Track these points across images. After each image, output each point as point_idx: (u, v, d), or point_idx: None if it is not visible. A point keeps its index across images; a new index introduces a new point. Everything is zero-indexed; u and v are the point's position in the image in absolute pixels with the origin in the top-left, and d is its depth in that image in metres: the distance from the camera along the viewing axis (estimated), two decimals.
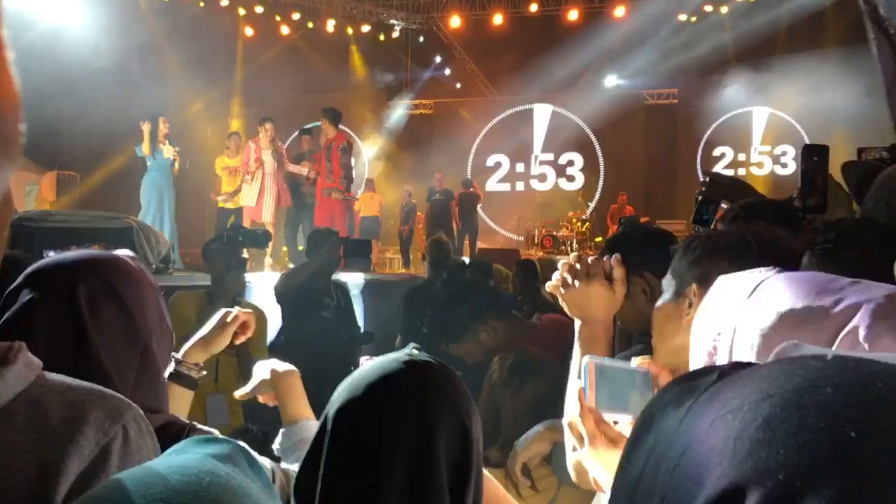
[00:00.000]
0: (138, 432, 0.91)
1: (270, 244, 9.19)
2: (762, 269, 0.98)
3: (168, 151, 9.07)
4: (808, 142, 12.17)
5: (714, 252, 1.37)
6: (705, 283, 1.29)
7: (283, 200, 9.58)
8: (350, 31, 16.52)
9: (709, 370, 0.43)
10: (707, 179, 2.61)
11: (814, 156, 1.99)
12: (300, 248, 9.29)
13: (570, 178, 16.41)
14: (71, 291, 1.18)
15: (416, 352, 1.08)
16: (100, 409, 0.88)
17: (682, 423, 0.41)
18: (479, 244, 13.15)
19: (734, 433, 0.36)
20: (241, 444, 0.79)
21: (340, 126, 9.79)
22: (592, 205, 15.51)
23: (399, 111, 17.33)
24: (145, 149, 9.01)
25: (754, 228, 1.52)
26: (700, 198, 2.54)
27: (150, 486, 0.64)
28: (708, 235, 1.49)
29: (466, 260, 6.02)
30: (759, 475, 0.34)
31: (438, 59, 17.16)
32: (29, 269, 1.22)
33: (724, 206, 2.50)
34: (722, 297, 0.96)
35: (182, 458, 0.71)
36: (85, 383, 0.92)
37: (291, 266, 8.81)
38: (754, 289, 0.92)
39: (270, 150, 9.42)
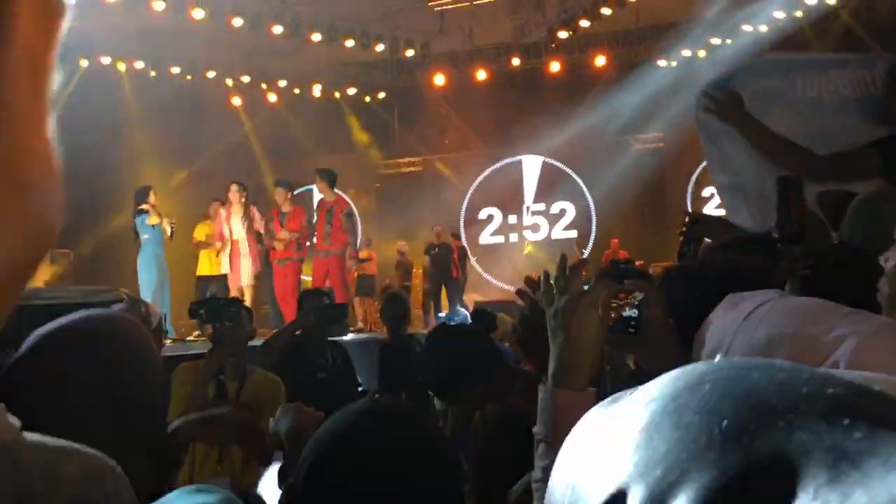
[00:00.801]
0: (116, 494, 0.90)
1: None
2: (769, 290, 0.98)
3: (156, 220, 9.14)
4: None
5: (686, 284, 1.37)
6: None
7: (255, 264, 9.51)
8: (337, 94, 16.78)
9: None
10: (688, 218, 2.63)
11: (788, 186, 2.01)
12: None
13: (564, 227, 16.49)
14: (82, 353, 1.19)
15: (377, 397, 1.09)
16: (78, 468, 0.87)
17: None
18: (476, 296, 13.17)
19: (622, 439, 0.36)
20: (232, 495, 0.77)
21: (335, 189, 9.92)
22: (587, 251, 15.55)
23: (388, 170, 17.51)
24: (153, 219, 9.06)
25: (729, 259, 1.52)
26: (682, 237, 2.55)
27: None
28: (682, 268, 1.50)
29: (466, 311, 6.03)
30: (639, 473, 0.34)
31: (425, 116, 17.41)
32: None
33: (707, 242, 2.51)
34: (724, 314, 0.97)
35: None
36: (64, 442, 0.91)
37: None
38: (752, 311, 0.92)
39: (241, 214, 9.39)
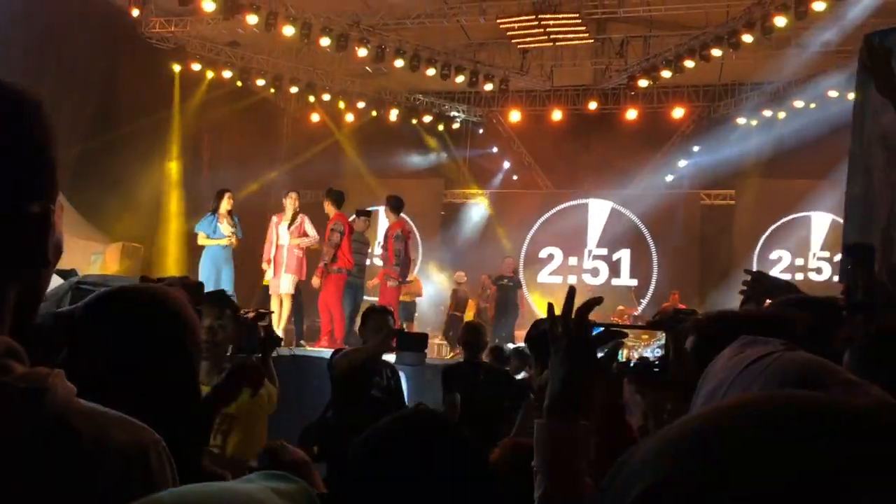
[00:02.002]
0: (160, 463, 0.95)
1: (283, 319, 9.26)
2: (778, 340, 0.98)
3: (226, 229, 9.32)
4: None
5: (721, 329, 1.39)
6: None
7: (300, 273, 9.54)
8: (414, 120, 17.03)
9: None
10: (750, 278, 2.61)
11: (857, 254, 1.98)
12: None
13: (623, 275, 16.32)
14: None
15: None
16: (126, 437, 0.92)
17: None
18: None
19: (658, 449, 0.39)
20: (309, 487, 0.82)
21: (402, 214, 10.05)
22: (645, 301, 15.34)
23: (453, 199, 17.64)
24: (225, 228, 9.25)
25: (768, 309, 1.52)
26: (743, 295, 2.53)
27: (205, 496, 0.67)
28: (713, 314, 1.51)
29: (510, 346, 6.04)
30: (670, 479, 0.36)
31: (496, 149, 17.52)
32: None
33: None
34: (731, 356, 0.97)
35: (247, 487, 0.75)
36: (113, 411, 0.96)
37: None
38: (754, 361, 0.92)
39: (288, 223, 9.50)
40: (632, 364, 1.36)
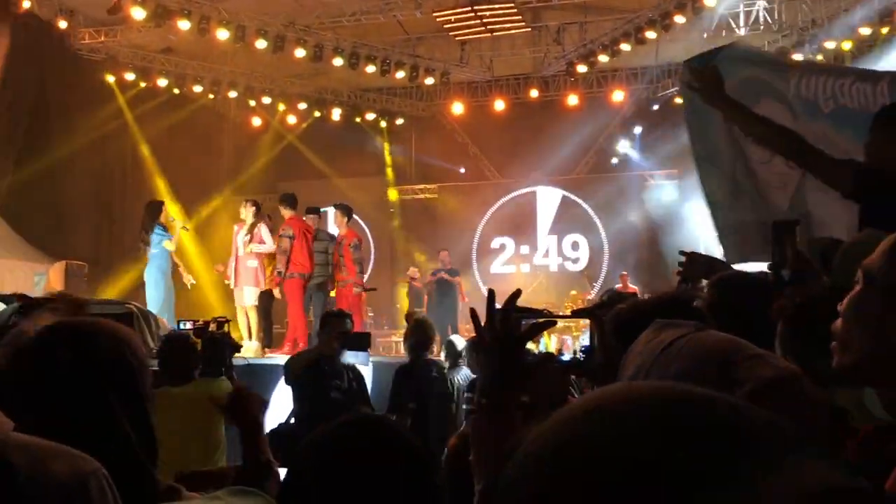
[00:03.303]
0: (100, 492, 0.93)
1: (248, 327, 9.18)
2: (688, 322, 1.02)
3: (178, 228, 9.29)
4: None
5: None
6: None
7: (257, 283, 9.41)
8: (357, 119, 16.94)
9: None
10: (685, 259, 2.66)
11: (782, 230, 2.04)
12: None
13: (575, 260, 16.49)
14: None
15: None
16: (64, 468, 0.91)
17: None
18: None
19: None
20: (272, 502, 0.83)
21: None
22: (598, 285, 15.52)
23: (403, 196, 17.63)
24: (169, 244, 9.13)
25: (667, 293, 1.58)
26: (679, 276, 2.58)
27: None
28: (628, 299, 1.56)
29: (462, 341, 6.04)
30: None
31: (441, 143, 17.53)
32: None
33: (704, 283, 2.54)
34: (647, 341, 1.00)
35: (215, 503, 0.75)
36: (50, 443, 0.95)
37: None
38: (670, 343, 0.96)
39: (245, 232, 9.40)
40: (565, 356, 1.39)
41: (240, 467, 1.93)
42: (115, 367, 1.28)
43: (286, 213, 9.41)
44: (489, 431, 1.27)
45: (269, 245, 9.34)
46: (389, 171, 17.83)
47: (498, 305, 1.43)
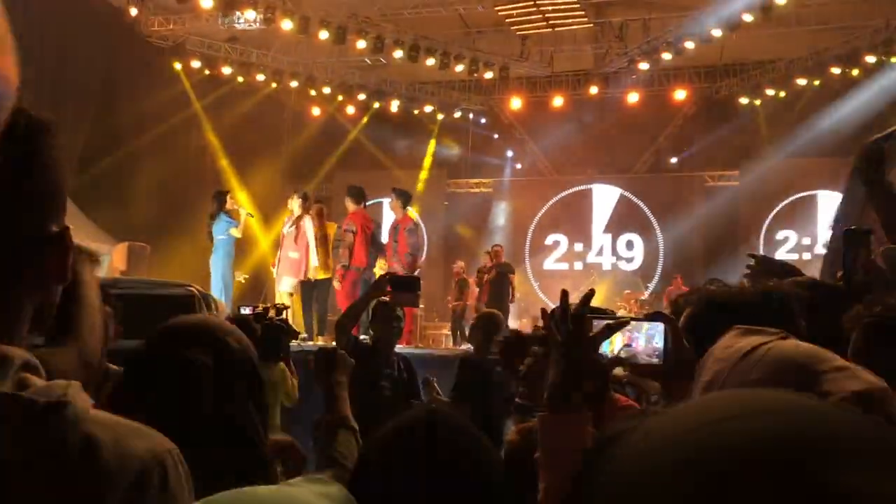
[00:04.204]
0: (176, 473, 0.97)
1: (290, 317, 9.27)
2: (771, 329, 1.00)
3: (243, 216, 9.48)
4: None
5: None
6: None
7: (297, 273, 9.46)
8: (415, 111, 17.01)
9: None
10: (753, 262, 2.63)
11: (855, 239, 2.00)
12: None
13: (629, 259, 16.31)
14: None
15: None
16: (143, 445, 0.95)
17: None
18: (540, 324, 13.10)
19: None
20: (349, 493, 0.86)
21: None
22: (651, 286, 15.34)
23: (457, 189, 17.65)
24: (235, 231, 9.33)
25: (763, 286, 1.55)
26: (747, 279, 2.55)
27: (260, 500, 0.71)
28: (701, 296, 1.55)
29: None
30: None
31: (497, 136, 17.49)
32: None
33: None
34: (726, 347, 0.99)
35: (291, 490, 0.79)
36: (128, 420, 0.99)
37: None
38: (750, 351, 0.95)
39: (289, 224, 9.52)
40: (623, 355, 1.39)
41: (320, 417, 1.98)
42: (244, 362, 1.34)
43: (351, 206, 9.50)
44: (559, 431, 1.28)
45: (310, 238, 9.37)
46: (444, 164, 17.85)
47: (549, 303, 1.43)
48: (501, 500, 1.20)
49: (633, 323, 1.40)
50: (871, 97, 13.79)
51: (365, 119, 17.13)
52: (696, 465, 0.38)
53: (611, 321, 1.37)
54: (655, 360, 1.35)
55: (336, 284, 9.38)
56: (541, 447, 1.30)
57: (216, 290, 8.70)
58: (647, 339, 1.38)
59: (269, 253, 11.01)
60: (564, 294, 1.42)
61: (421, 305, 13.65)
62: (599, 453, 0.45)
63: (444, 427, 1.20)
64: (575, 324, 1.34)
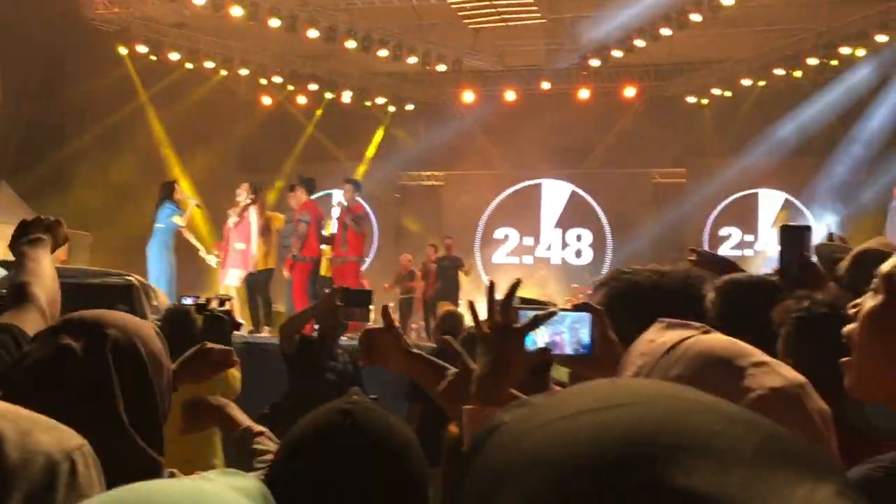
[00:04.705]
0: (85, 465, 0.94)
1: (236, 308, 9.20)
2: (695, 324, 1.01)
3: (189, 206, 9.33)
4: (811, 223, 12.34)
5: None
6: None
7: (245, 266, 9.42)
8: (367, 103, 16.90)
9: None
10: (695, 257, 2.67)
11: (792, 235, 2.04)
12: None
13: (578, 254, 16.49)
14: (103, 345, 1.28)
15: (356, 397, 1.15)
16: (51, 439, 0.91)
17: None
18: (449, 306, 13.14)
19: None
20: (265, 487, 0.84)
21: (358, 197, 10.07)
22: (599, 280, 15.52)
23: (409, 181, 17.61)
24: (179, 219, 9.16)
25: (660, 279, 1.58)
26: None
27: (167, 494, 0.68)
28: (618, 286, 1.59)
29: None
30: None
31: (449, 130, 17.47)
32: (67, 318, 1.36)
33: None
34: (650, 342, 1.00)
35: (203, 485, 0.76)
36: (37, 415, 0.95)
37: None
38: (673, 346, 0.95)
39: (234, 214, 9.43)
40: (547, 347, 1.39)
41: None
42: (124, 356, 1.29)
43: (303, 196, 9.44)
44: (485, 417, 1.27)
45: (253, 229, 9.29)
46: (396, 156, 17.78)
47: (499, 297, 1.43)
48: (417, 491, 1.19)
49: (559, 314, 1.39)
50: (814, 100, 14.17)
51: (319, 112, 16.94)
52: (539, 465, 0.38)
53: (539, 312, 1.37)
54: (582, 351, 1.36)
55: (286, 274, 9.32)
56: (466, 440, 1.30)
57: (154, 279, 8.53)
58: (572, 331, 1.38)
59: (208, 243, 10.84)
60: (491, 285, 1.42)
61: (372, 318, 13.59)
62: (477, 447, 0.44)
63: (359, 418, 1.18)
64: (501, 314, 1.34)
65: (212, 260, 9.75)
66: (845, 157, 13.71)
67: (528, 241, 16.76)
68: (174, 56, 14.63)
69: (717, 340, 0.99)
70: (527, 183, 16.86)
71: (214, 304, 4.83)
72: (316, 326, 5.47)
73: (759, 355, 0.95)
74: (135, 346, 1.31)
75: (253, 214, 9.34)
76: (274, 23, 13.14)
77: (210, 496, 0.71)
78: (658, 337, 1.02)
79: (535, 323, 1.35)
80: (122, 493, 0.74)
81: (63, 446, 0.93)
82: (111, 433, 1.16)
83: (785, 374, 0.93)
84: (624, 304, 1.52)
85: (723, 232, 15.48)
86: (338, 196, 10.84)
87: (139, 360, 1.30)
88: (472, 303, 1.46)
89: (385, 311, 1.82)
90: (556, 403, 0.42)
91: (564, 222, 16.61)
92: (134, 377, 1.28)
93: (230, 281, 9.34)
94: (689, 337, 0.98)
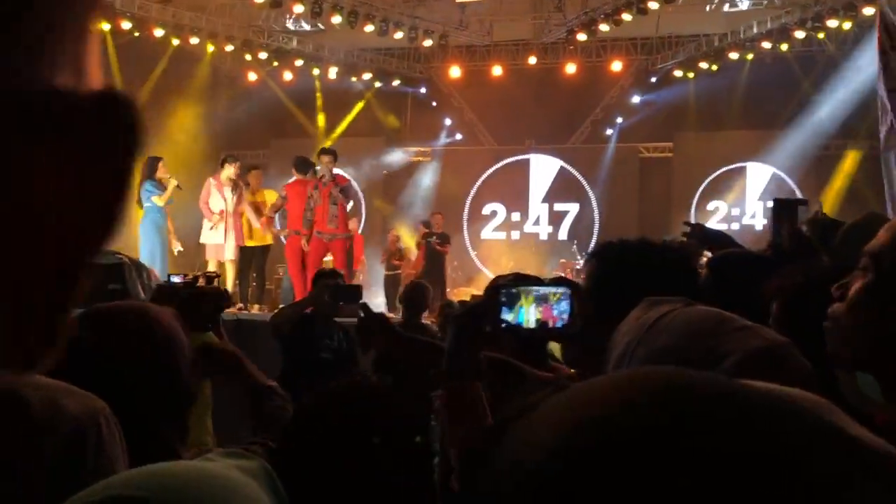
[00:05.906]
0: (109, 430, 0.96)
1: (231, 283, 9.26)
2: (676, 298, 1.04)
3: (172, 184, 9.29)
4: (800, 195, 12.41)
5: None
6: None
7: (240, 239, 9.54)
8: (353, 78, 16.78)
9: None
10: (689, 229, 2.69)
11: (783, 208, 2.06)
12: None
13: (566, 228, 16.52)
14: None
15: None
16: (76, 403, 0.94)
17: None
18: (473, 290, 13.16)
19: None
20: (267, 465, 0.85)
21: (338, 170, 9.95)
22: (587, 255, 15.57)
23: (396, 157, 17.54)
24: (158, 199, 9.11)
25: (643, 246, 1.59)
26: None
27: (174, 474, 0.70)
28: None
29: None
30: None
31: (435, 105, 17.40)
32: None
33: (705, 255, 2.56)
34: (636, 318, 1.02)
35: (206, 465, 0.78)
36: (62, 383, 0.97)
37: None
38: (657, 319, 0.97)
39: (230, 187, 9.43)
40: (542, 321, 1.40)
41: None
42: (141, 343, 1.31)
43: (294, 177, 9.51)
44: (455, 400, 1.28)
45: (247, 205, 9.41)
46: (382, 131, 17.70)
47: (487, 272, 1.44)
48: (425, 467, 1.20)
49: (542, 290, 1.39)
50: (800, 72, 14.19)
51: (300, 84, 16.79)
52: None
53: (513, 290, 1.36)
54: (559, 325, 1.36)
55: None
56: (441, 417, 1.32)
57: (146, 258, 8.51)
58: (556, 307, 1.39)
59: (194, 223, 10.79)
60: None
61: (361, 276, 13.60)
62: (496, 435, 0.45)
63: (367, 396, 1.19)
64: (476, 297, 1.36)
65: (177, 246, 9.70)
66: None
67: (516, 216, 16.76)
68: (159, 32, 14.44)
69: (699, 311, 1.02)
70: (514, 158, 16.83)
71: (202, 282, 4.83)
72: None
73: (741, 321, 0.97)
74: (153, 334, 1.33)
75: (244, 190, 9.41)
76: None
77: (216, 476, 0.73)
78: (642, 315, 1.04)
79: (500, 298, 1.34)
80: (131, 475, 0.76)
81: (88, 410, 0.95)
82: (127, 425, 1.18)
83: (767, 335, 0.95)
84: (615, 280, 1.54)
85: (710, 206, 15.54)
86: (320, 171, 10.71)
87: (156, 348, 1.32)
88: (474, 297, 1.47)
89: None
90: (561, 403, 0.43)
91: (553, 198, 16.61)
92: (149, 366, 1.30)
93: (229, 254, 9.40)
94: (673, 310, 1.01)
